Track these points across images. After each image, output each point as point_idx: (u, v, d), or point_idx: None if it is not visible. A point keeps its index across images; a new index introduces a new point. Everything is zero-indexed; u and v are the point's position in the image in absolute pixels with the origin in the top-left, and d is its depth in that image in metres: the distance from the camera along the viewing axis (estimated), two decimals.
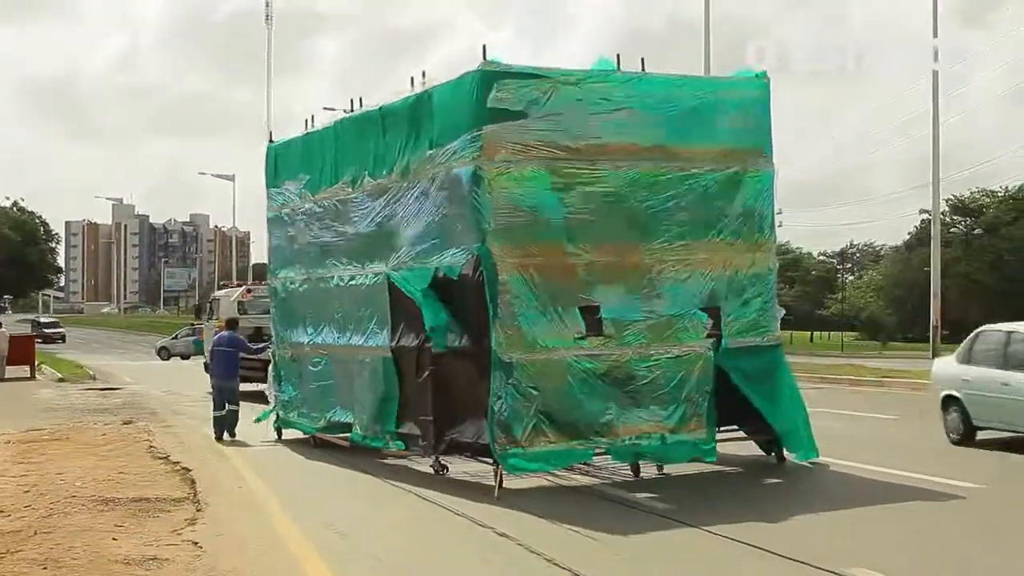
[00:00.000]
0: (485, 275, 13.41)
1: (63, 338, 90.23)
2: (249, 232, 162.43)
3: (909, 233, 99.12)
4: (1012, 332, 17.04)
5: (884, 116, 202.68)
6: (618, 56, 14.42)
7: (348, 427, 16.85)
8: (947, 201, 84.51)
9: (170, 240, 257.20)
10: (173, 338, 66.21)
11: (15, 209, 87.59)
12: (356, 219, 16.63)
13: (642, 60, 14.61)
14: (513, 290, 13.41)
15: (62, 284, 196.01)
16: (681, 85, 14.84)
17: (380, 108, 16.28)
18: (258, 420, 19.88)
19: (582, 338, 13.69)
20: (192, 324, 56.55)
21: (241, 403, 20.27)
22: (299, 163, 18.76)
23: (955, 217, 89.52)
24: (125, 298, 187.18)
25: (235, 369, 20.62)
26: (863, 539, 10.68)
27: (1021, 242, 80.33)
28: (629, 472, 14.36)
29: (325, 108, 28.87)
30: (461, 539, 11.20)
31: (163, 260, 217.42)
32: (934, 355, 37.05)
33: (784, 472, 14.85)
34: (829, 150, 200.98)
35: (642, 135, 14.26)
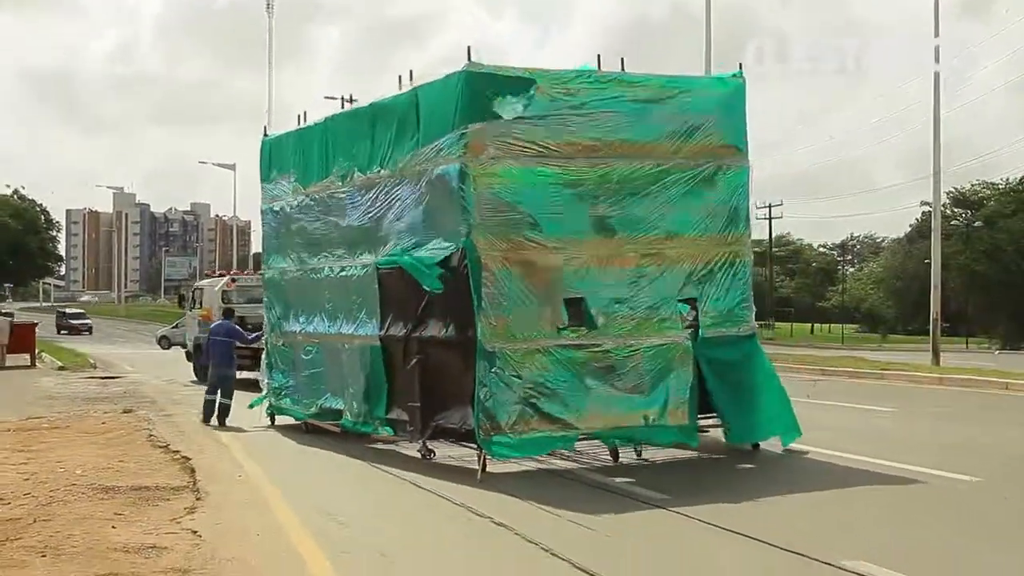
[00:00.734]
0: (470, 267, 13.94)
1: (90, 329, 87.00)
2: (250, 221, 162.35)
3: (910, 225, 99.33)
4: None
5: (885, 107, 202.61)
6: (599, 57, 15.18)
7: (339, 413, 17.43)
8: (948, 193, 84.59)
9: (171, 229, 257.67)
10: (174, 327, 66.03)
11: (16, 197, 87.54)
12: (346, 212, 17.23)
13: (622, 60, 15.43)
14: (497, 282, 13.97)
15: (63, 272, 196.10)
16: (659, 85, 15.30)
17: (370, 105, 16.96)
18: (251, 406, 20.51)
19: (564, 329, 14.27)
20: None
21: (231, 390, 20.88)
22: (292, 157, 19.33)
23: (956, 209, 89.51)
24: (126, 287, 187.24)
25: (231, 358, 21.17)
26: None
27: (1020, 234, 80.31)
28: (608, 458, 14.84)
29: (326, 97, 29.24)
30: (448, 524, 11.30)
31: (164, 249, 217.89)
32: (934, 348, 37.14)
33: (758, 459, 15.26)
34: (830, 142, 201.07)
35: (622, 133, 14.79)
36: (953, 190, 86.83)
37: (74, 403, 24.83)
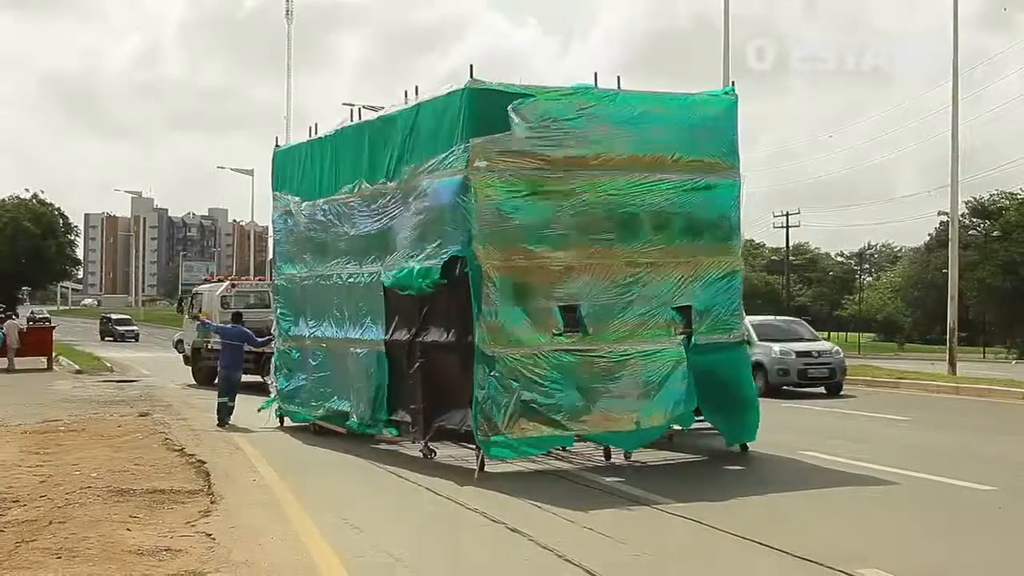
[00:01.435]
0: (470, 275, 14.53)
1: (136, 337, 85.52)
2: (267, 227, 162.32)
3: (929, 235, 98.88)
4: None
5: (906, 116, 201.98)
6: (595, 75, 15.85)
7: (346, 415, 18.04)
8: (966, 203, 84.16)
9: (188, 234, 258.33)
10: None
11: (35, 201, 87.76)
12: (354, 221, 17.88)
13: (618, 78, 16.08)
14: (496, 289, 14.57)
15: (80, 276, 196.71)
16: (654, 101, 15.98)
17: (377, 118, 17.85)
18: (261, 408, 21.15)
19: (560, 334, 14.82)
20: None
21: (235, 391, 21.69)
22: (302, 167, 20.06)
23: (974, 219, 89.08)
24: (143, 291, 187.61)
25: (240, 361, 22.11)
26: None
27: None
28: (601, 458, 15.49)
29: (344, 104, 29.32)
30: (462, 529, 11.33)
31: (181, 254, 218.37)
32: (951, 357, 37.00)
33: (746, 460, 15.79)
34: (848, 151, 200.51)
35: (617, 147, 15.39)
36: (972, 200, 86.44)
37: (90, 406, 24.92)
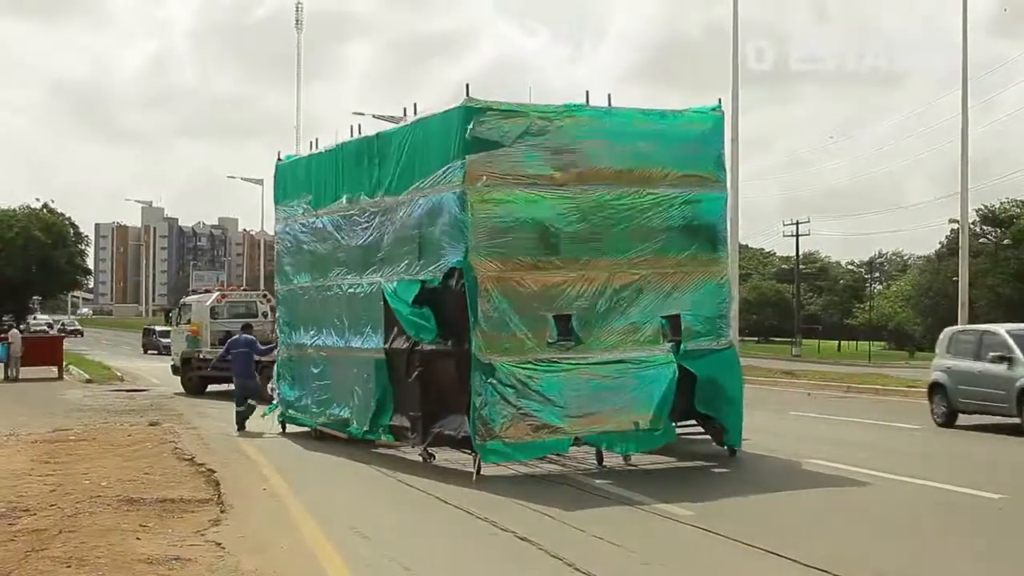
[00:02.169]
0: (467, 286, 15.11)
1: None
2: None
3: (940, 243, 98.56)
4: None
5: (917, 124, 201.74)
6: (587, 93, 16.33)
7: (346, 422, 18.57)
8: (977, 211, 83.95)
9: (199, 243, 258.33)
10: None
11: (45, 211, 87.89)
12: (354, 234, 18.50)
13: (608, 96, 16.66)
14: (492, 299, 15.14)
15: (91, 286, 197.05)
16: (643, 118, 16.68)
17: (377, 135, 18.52)
18: (265, 415, 21.74)
19: (554, 343, 15.39)
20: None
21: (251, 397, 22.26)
22: (304, 181, 20.76)
23: (985, 227, 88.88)
24: (153, 300, 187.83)
25: (252, 368, 22.62)
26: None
27: None
28: (594, 461, 15.95)
29: (354, 113, 29.52)
30: (471, 539, 11.30)
31: (191, 263, 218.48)
32: None
33: (732, 463, 16.28)
34: (859, 158, 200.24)
35: (608, 162, 16.03)
36: (983, 207, 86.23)
37: (101, 415, 24.99)
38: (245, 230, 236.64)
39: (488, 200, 15.29)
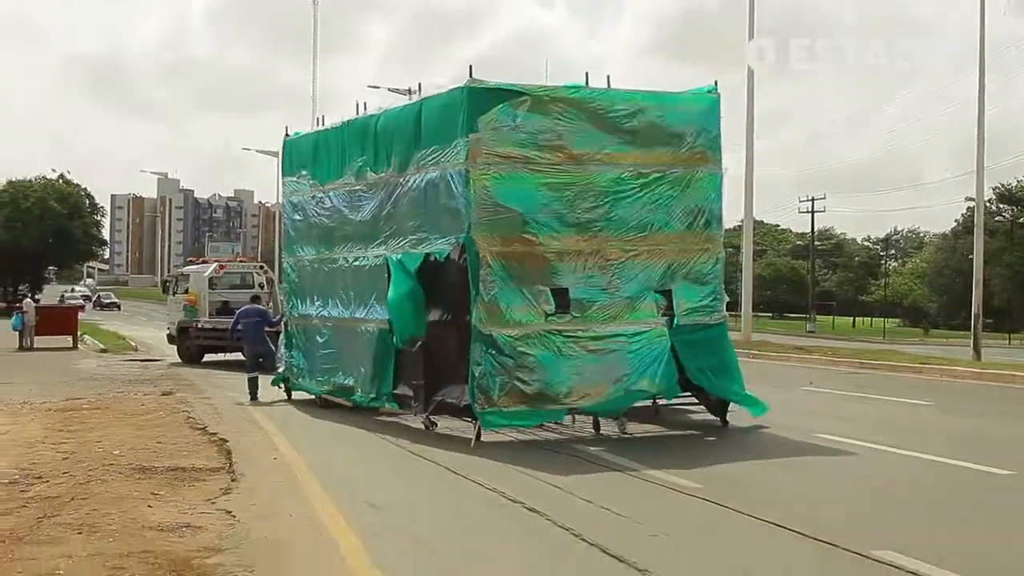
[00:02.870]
0: (469, 260, 15.65)
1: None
2: None
3: (956, 221, 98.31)
4: None
5: (935, 102, 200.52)
6: (587, 75, 16.89)
7: (351, 390, 19.18)
8: (994, 189, 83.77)
9: (214, 215, 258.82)
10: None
11: (61, 181, 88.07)
12: (359, 208, 19.00)
13: (608, 77, 17.22)
14: (493, 273, 15.65)
15: (107, 257, 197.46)
16: (641, 99, 17.01)
17: (383, 113, 18.96)
18: (274, 383, 22.12)
19: (552, 315, 15.88)
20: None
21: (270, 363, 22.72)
22: (311, 156, 21.17)
23: (1001, 205, 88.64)
24: (169, 271, 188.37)
25: (263, 336, 22.86)
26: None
27: None
28: (591, 430, 16.57)
29: (369, 87, 29.72)
30: (481, 508, 11.32)
31: (207, 234, 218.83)
32: (975, 343, 36.89)
33: (724, 433, 16.86)
34: (876, 136, 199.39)
35: (607, 142, 16.48)
36: (999, 186, 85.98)
37: (114, 385, 25.14)
38: (260, 202, 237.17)
39: (490, 177, 15.76)
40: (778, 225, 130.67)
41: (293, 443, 15.97)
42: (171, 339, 36.23)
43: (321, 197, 20.48)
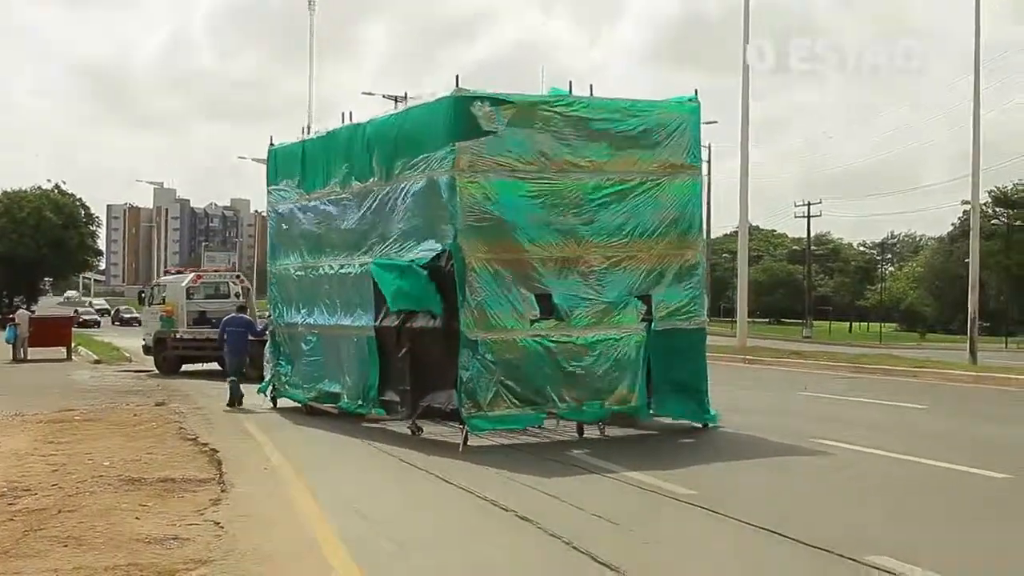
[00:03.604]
0: (455, 267, 15.88)
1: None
2: None
3: (952, 224, 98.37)
4: None
5: (931, 106, 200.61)
6: (570, 83, 17.23)
7: (337, 396, 19.52)
8: (990, 193, 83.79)
9: (211, 224, 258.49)
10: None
11: (56, 191, 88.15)
12: (345, 216, 19.27)
13: (591, 87, 17.51)
14: (479, 279, 15.91)
15: (103, 267, 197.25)
16: (623, 108, 17.33)
17: (368, 122, 19.06)
18: (260, 391, 22.43)
19: (536, 321, 16.22)
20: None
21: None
22: (296, 165, 21.36)
23: (998, 209, 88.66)
24: None
25: (245, 345, 23.72)
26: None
27: None
28: (574, 433, 16.81)
29: (363, 93, 29.70)
30: (471, 515, 11.24)
31: (203, 244, 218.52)
32: (971, 347, 36.82)
33: (702, 435, 17.15)
34: (872, 141, 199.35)
35: (589, 150, 16.80)
36: (995, 189, 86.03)
37: (107, 396, 25.04)
38: (257, 211, 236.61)
39: (476, 185, 16.01)
40: (774, 230, 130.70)
41: (284, 452, 15.88)
42: (147, 350, 36.01)
43: (306, 205, 20.74)
